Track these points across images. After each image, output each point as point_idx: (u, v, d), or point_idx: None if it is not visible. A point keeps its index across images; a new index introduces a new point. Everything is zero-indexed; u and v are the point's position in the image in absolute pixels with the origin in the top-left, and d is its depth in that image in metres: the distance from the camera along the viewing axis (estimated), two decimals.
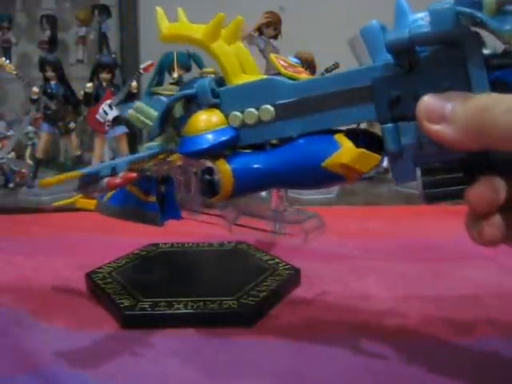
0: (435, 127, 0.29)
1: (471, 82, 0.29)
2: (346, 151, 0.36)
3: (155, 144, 0.52)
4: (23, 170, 1.57)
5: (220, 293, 0.62)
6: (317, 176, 0.40)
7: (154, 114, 0.51)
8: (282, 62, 0.42)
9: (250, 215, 0.63)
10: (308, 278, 0.71)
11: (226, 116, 0.44)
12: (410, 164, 0.33)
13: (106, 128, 1.43)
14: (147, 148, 0.53)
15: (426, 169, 0.32)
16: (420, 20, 0.30)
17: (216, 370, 0.49)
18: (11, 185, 1.51)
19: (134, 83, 1.44)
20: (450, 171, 0.31)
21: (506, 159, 0.31)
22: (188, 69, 1.84)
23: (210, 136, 0.44)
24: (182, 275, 0.71)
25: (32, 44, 1.94)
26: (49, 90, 1.50)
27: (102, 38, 1.86)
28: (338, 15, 1.73)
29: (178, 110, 0.48)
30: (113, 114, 1.44)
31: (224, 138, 0.43)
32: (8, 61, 1.54)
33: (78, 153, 1.55)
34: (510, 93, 0.29)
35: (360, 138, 0.38)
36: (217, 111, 0.45)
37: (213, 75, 1.16)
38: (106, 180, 0.48)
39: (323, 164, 0.37)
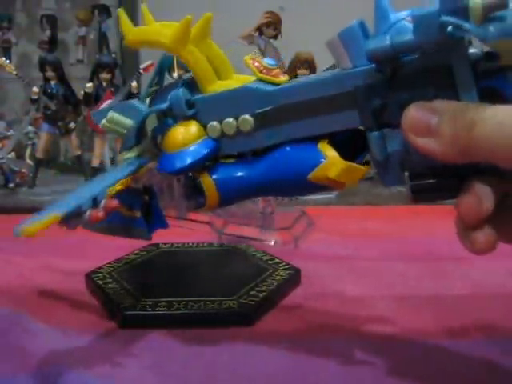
0: (421, 140, 0.28)
1: (458, 89, 0.28)
2: (331, 164, 0.35)
3: (132, 156, 0.49)
4: (23, 170, 1.57)
5: (220, 293, 0.62)
6: (302, 187, 0.39)
7: (129, 122, 0.48)
8: (256, 65, 0.39)
9: (237, 221, 0.62)
10: (308, 278, 0.71)
11: (204, 126, 0.42)
12: (398, 169, 0.33)
13: None
14: (125, 160, 0.50)
15: (414, 173, 0.31)
16: (403, 21, 0.29)
17: (216, 370, 0.49)
18: (11, 185, 1.51)
19: (134, 83, 1.44)
20: (438, 176, 0.31)
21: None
22: (188, 69, 1.83)
23: (189, 152, 0.42)
24: (182, 275, 0.71)
25: (32, 44, 1.94)
26: (49, 90, 1.50)
27: (102, 38, 1.86)
28: (338, 15, 1.73)
29: (152, 122, 0.45)
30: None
31: (204, 152, 0.42)
32: (8, 61, 1.54)
33: (78, 153, 1.55)
34: (498, 100, 0.28)
35: (340, 136, 0.37)
36: (193, 123, 0.43)
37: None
38: (88, 213, 0.45)
39: (309, 177, 0.36)
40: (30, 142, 1.72)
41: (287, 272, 0.69)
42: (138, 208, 0.54)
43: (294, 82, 0.36)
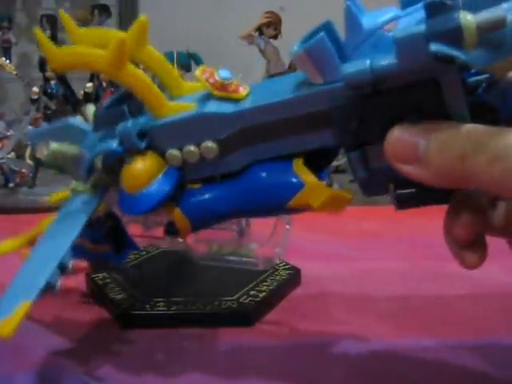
0: (407, 168, 0.25)
1: (447, 106, 0.25)
2: (312, 191, 0.32)
3: (84, 189, 0.45)
4: (23, 170, 1.56)
5: (220, 293, 0.62)
6: (279, 212, 0.38)
7: (73, 150, 0.43)
8: (211, 81, 0.34)
9: (211, 239, 0.59)
10: (308, 278, 0.71)
11: (162, 155, 0.37)
12: (381, 181, 0.30)
13: None
14: (76, 193, 0.46)
15: (399, 183, 0.28)
16: (380, 32, 0.25)
17: (216, 370, 0.49)
18: (11, 185, 1.51)
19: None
20: (424, 185, 0.28)
21: None
22: (188, 69, 1.84)
23: (153, 190, 0.37)
24: (182, 275, 0.71)
25: (32, 44, 1.94)
26: (49, 90, 1.50)
27: None
28: (338, 15, 1.73)
29: (100, 161, 0.40)
30: None
31: (169, 188, 0.37)
32: (8, 61, 1.54)
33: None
34: (487, 113, 0.26)
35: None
36: (150, 154, 0.37)
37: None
38: (58, 284, 0.40)
39: (288, 205, 0.33)
40: (30, 142, 1.71)
41: (287, 272, 0.69)
42: (104, 241, 0.50)
43: (258, 100, 0.31)
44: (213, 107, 0.34)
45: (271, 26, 1.73)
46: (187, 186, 0.38)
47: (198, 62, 1.77)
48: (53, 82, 1.51)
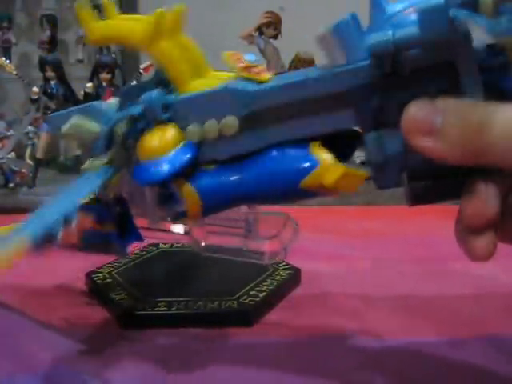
0: (423, 143, 0.25)
1: (462, 85, 0.26)
2: (326, 169, 0.32)
3: (101, 164, 0.44)
4: (23, 170, 1.56)
5: (220, 293, 0.62)
6: (292, 195, 0.36)
7: (94, 127, 0.43)
8: (238, 62, 0.35)
9: (219, 231, 0.58)
10: (308, 278, 0.71)
11: (182, 130, 0.38)
12: (396, 171, 0.30)
13: None
14: (92, 168, 0.46)
15: (412, 175, 0.29)
16: (401, 14, 0.27)
17: (216, 370, 0.49)
18: (11, 185, 1.51)
19: (134, 83, 1.44)
20: (438, 176, 0.29)
21: None
22: None
23: (168, 159, 0.37)
24: (182, 275, 0.71)
25: (32, 44, 1.94)
26: (49, 90, 1.50)
27: None
28: (337, 15, 1.73)
29: (121, 126, 0.40)
30: None
31: (185, 159, 0.37)
32: (8, 61, 1.54)
33: (78, 153, 1.55)
34: (497, 96, 0.26)
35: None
36: (171, 127, 0.38)
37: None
38: (60, 235, 0.41)
39: (301, 185, 0.33)
40: (30, 142, 1.72)
41: (287, 272, 0.69)
42: (111, 221, 0.50)
43: (281, 81, 0.32)
44: (237, 85, 0.35)
45: (271, 25, 1.73)
46: (202, 166, 0.39)
47: None
48: (53, 82, 1.51)
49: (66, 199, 0.42)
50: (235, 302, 0.60)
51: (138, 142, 0.39)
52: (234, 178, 0.37)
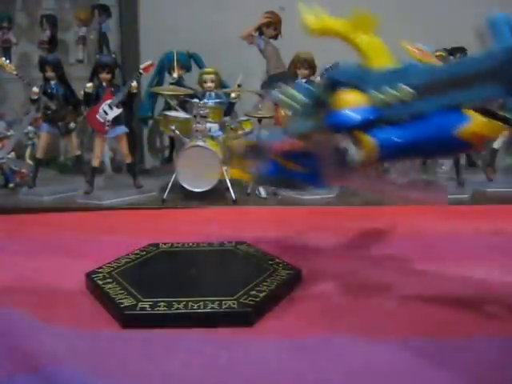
0: None
1: None
2: (476, 121, 0.48)
3: (303, 121, 0.67)
4: (23, 170, 1.56)
5: (220, 293, 0.62)
6: (449, 145, 0.51)
7: (301, 97, 0.67)
8: (415, 50, 0.57)
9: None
10: (308, 278, 0.71)
11: (369, 96, 0.58)
12: None
13: (106, 128, 1.42)
14: (294, 124, 0.69)
15: None
16: None
17: (216, 370, 0.49)
18: (11, 185, 1.51)
19: (134, 83, 1.44)
20: None
21: None
22: (188, 69, 1.84)
23: (358, 111, 0.57)
24: (182, 275, 0.71)
25: (32, 44, 1.93)
26: (49, 90, 1.50)
27: (102, 38, 1.86)
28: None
29: (322, 95, 0.64)
30: (113, 114, 1.44)
31: (369, 115, 0.57)
32: (8, 61, 1.54)
33: (78, 153, 1.55)
34: None
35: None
36: (360, 92, 0.59)
37: (213, 75, 1.27)
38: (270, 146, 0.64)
39: (456, 133, 0.49)
40: (30, 142, 1.71)
41: (287, 272, 0.69)
42: (303, 165, 0.70)
43: (445, 63, 0.48)
44: (413, 64, 0.54)
45: (271, 25, 1.73)
46: (380, 124, 0.56)
47: (198, 62, 1.77)
48: (53, 82, 1.50)
49: (275, 134, 0.72)
50: (235, 301, 0.60)
51: (332, 100, 0.60)
52: (405, 133, 0.55)
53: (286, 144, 0.68)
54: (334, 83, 0.62)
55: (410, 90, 0.55)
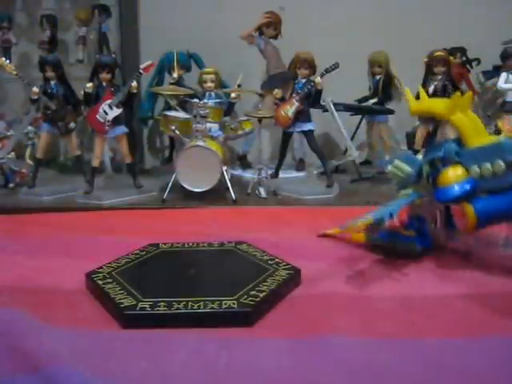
0: None
1: None
2: None
3: (410, 191, 0.83)
4: (23, 170, 1.56)
5: (220, 293, 0.62)
6: None
7: (408, 169, 0.84)
8: (508, 127, 0.73)
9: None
10: (308, 278, 0.71)
11: (467, 170, 0.74)
12: None
13: (106, 128, 1.42)
14: (403, 194, 0.83)
15: None
16: None
17: (216, 370, 0.49)
18: (11, 185, 1.51)
19: (134, 83, 1.44)
20: None
21: None
22: (188, 69, 1.84)
23: (457, 186, 0.73)
24: (182, 275, 0.71)
25: (32, 44, 1.93)
26: (49, 90, 1.49)
27: (102, 38, 1.86)
28: (337, 15, 1.73)
29: (426, 169, 0.81)
30: (113, 113, 1.44)
31: (468, 188, 0.73)
32: (8, 61, 1.53)
33: (78, 153, 1.55)
34: None
35: None
36: (459, 167, 0.75)
37: (213, 75, 1.31)
38: (387, 222, 0.75)
39: None
40: (30, 142, 1.71)
41: (287, 272, 0.70)
42: (412, 229, 0.83)
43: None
44: (505, 141, 0.66)
45: (271, 25, 1.73)
46: (478, 194, 0.70)
47: (198, 62, 1.77)
48: (53, 82, 1.50)
49: (389, 207, 0.76)
50: (235, 301, 0.60)
51: (437, 177, 0.75)
52: (500, 202, 0.68)
53: (401, 217, 0.81)
54: (438, 160, 0.80)
55: (502, 164, 0.72)
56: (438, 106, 0.82)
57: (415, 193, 0.83)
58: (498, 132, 1.58)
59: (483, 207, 0.73)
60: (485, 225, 0.74)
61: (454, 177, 0.76)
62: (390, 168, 0.86)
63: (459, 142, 0.81)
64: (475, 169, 0.74)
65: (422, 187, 0.83)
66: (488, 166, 0.72)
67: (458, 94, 0.79)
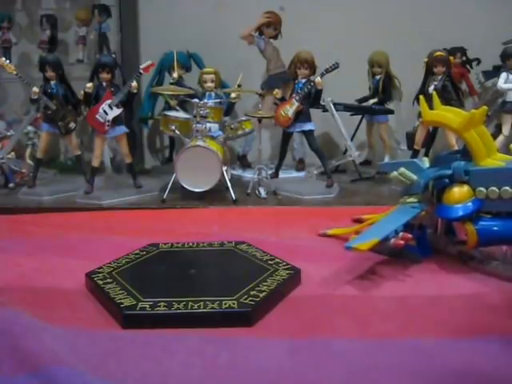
0: None
1: None
2: None
3: (414, 201, 0.83)
4: (23, 170, 1.56)
5: (220, 293, 0.62)
6: None
7: (413, 177, 0.84)
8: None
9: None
10: (308, 278, 0.71)
11: (474, 190, 0.75)
12: None
13: (106, 128, 1.42)
14: (408, 203, 0.84)
15: None
16: None
17: (216, 370, 0.49)
18: (11, 185, 1.51)
19: (134, 83, 1.44)
20: None
21: None
22: (188, 69, 1.84)
23: (461, 207, 0.74)
24: (182, 275, 0.71)
25: (32, 44, 1.93)
26: (49, 90, 1.49)
27: (102, 38, 1.86)
28: (337, 15, 1.73)
29: (432, 182, 0.81)
30: (113, 113, 1.44)
31: (472, 209, 0.74)
32: (8, 61, 1.53)
33: (78, 153, 1.55)
34: None
35: None
36: (466, 186, 0.76)
37: (213, 75, 1.30)
38: (392, 241, 0.73)
39: None
40: (29, 142, 1.71)
41: (287, 272, 0.70)
42: (414, 237, 0.80)
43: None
44: None
45: (271, 25, 1.73)
46: (481, 214, 0.72)
47: (198, 62, 1.77)
48: (53, 82, 1.50)
49: (396, 220, 0.76)
50: (235, 301, 0.60)
51: (442, 192, 0.75)
52: (503, 224, 0.70)
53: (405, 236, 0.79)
54: (445, 177, 0.81)
55: (509, 190, 0.74)
56: (453, 120, 0.82)
57: (420, 205, 0.83)
58: (497, 132, 1.59)
59: (485, 228, 0.75)
60: (486, 245, 0.75)
61: (459, 197, 0.77)
62: (394, 174, 0.84)
63: (465, 152, 0.83)
64: (482, 190, 0.75)
65: (425, 198, 0.83)
66: (495, 189, 0.74)
67: (474, 111, 0.78)
